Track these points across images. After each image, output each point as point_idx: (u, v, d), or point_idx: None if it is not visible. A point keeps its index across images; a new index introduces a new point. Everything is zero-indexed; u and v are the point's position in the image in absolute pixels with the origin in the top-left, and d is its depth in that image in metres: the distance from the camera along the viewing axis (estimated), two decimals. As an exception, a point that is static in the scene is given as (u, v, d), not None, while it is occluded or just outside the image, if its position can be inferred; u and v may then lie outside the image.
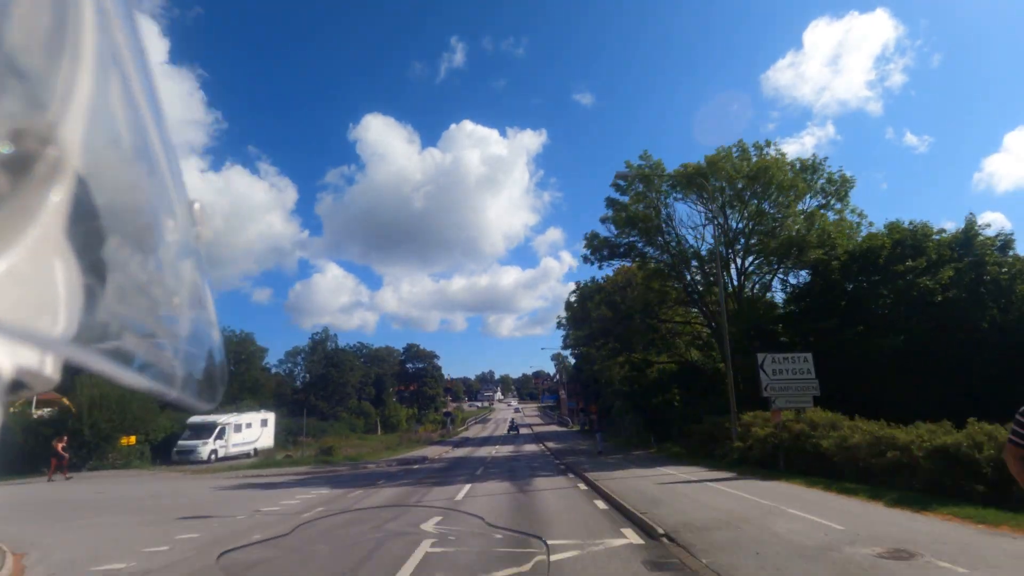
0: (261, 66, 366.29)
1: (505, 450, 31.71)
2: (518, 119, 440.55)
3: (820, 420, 12.70)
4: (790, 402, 13.55)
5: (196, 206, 0.51)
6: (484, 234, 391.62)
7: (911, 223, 21.56)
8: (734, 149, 23.85)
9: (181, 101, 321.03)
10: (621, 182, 24.81)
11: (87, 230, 0.35)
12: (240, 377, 54.29)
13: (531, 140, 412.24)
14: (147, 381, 0.40)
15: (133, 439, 26.22)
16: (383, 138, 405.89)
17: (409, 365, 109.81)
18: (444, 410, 53.47)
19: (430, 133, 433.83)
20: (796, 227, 22.41)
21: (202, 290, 0.51)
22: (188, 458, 26.49)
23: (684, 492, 10.99)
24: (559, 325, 42.52)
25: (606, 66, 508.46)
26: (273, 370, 70.10)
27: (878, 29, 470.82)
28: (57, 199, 0.31)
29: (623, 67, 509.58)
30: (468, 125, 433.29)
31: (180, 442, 27.31)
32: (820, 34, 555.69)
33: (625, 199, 24.99)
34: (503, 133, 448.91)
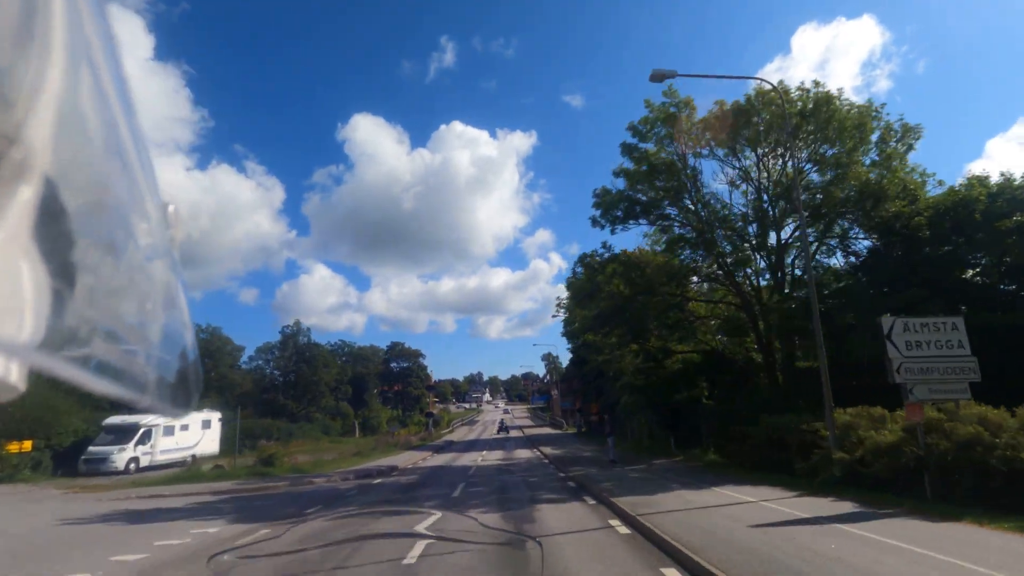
0: (248, 63, 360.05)
1: (494, 457, 26.75)
2: (508, 120, 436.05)
3: (999, 420, 7.94)
4: (936, 391, 8.76)
5: (170, 208, 0.51)
6: (474, 235, 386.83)
7: (1003, 173, 17.08)
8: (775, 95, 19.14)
9: (166, 98, 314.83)
10: (641, 127, 20.02)
11: (55, 232, 0.33)
12: (206, 375, 49.03)
13: (521, 141, 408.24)
14: (118, 388, 0.39)
15: (28, 444, 20.88)
16: (372, 138, 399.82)
17: (393, 364, 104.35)
18: (427, 410, 48.01)
19: (420, 133, 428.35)
20: (864, 176, 17.72)
21: (176, 294, 0.50)
22: (99, 468, 21.18)
23: (815, 547, 6.13)
24: (558, 307, 37.86)
25: (596, 68, 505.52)
26: (245, 367, 64.75)
27: (865, 35, 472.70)
28: (23, 200, 0.30)
29: (613, 69, 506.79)
30: (458, 126, 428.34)
31: (90, 448, 21.97)
32: (808, 39, 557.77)
33: (648, 147, 20.14)
34: (493, 134, 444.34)
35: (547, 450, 28.11)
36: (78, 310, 0.35)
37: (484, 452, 30.05)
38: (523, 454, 28.03)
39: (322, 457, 27.83)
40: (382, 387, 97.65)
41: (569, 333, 42.23)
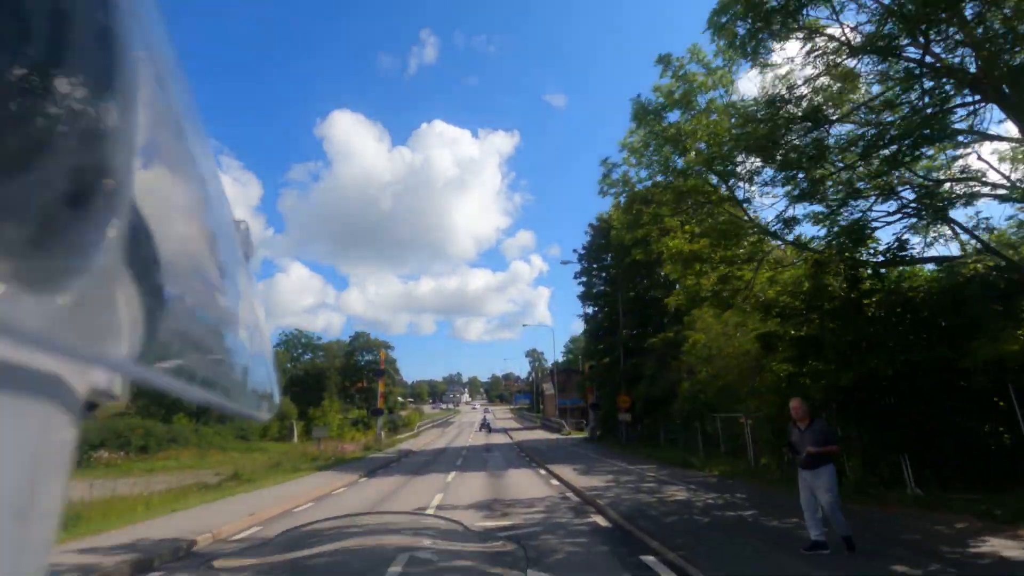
0: (225, 53, 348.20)
1: (468, 489, 13.50)
2: (491, 120, 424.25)
3: None
4: None
5: (243, 224, 0.55)
6: (454, 236, 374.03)
7: None
8: None
9: None
10: None
11: (143, 256, 0.36)
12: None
13: (504, 141, 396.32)
14: (210, 396, 0.42)
15: None
16: (351, 135, 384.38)
17: (357, 358, 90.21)
18: (375, 407, 34.59)
19: (401, 132, 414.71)
20: None
21: (252, 304, 0.54)
22: None
23: None
24: (588, 244, 25.36)
25: (578, 68, 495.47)
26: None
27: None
28: (115, 231, 0.32)
29: (595, 69, 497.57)
30: (440, 124, 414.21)
31: None
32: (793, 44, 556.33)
33: None
34: (475, 134, 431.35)
35: (571, 476, 14.88)
36: (168, 325, 0.39)
37: (452, 474, 16.65)
38: (524, 481, 14.82)
39: (152, 488, 14.34)
40: (343, 383, 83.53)
41: (587, 292, 29.22)
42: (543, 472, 16.83)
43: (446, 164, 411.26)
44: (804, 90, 10.54)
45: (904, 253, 10.80)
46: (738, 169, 11.86)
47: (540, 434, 42.07)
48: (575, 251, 28.56)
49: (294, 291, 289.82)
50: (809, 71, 10.62)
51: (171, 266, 0.39)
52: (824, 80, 10.60)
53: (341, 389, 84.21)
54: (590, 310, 29.97)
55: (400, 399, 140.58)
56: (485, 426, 54.37)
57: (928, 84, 9.21)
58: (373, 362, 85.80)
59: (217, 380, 0.44)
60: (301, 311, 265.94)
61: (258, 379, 0.53)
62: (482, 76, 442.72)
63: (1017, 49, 7.98)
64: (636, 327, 25.16)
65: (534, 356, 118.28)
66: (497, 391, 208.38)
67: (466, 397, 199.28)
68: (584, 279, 29.32)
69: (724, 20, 10.45)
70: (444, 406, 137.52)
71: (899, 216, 10.78)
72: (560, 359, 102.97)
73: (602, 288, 27.44)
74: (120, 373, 0.39)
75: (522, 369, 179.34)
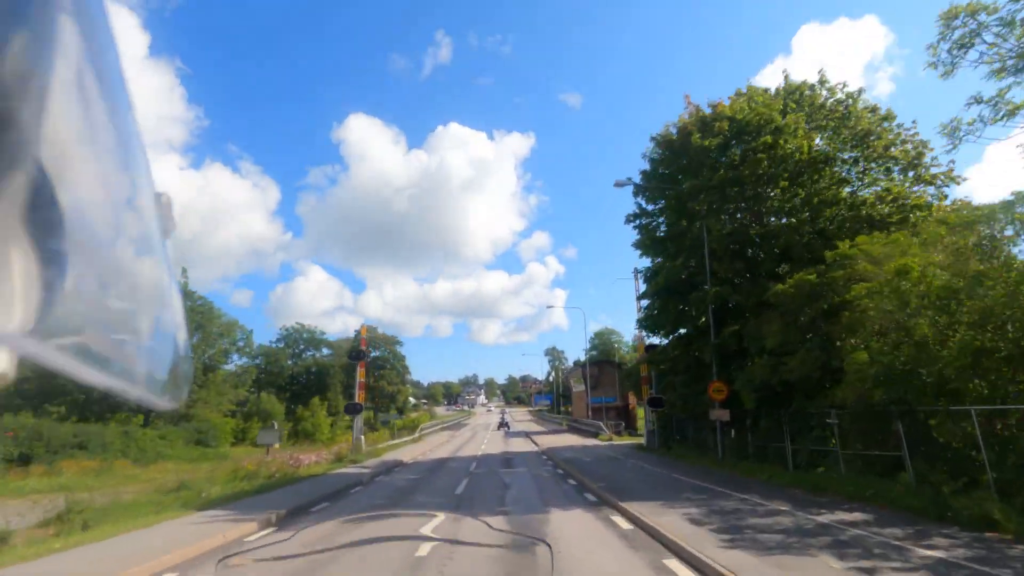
0: (244, 59, 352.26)
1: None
2: (506, 121, 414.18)
3: None
4: None
5: (164, 197, 0.50)
6: (470, 238, 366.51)
7: None
8: None
9: (161, 96, 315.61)
10: None
11: (46, 221, 0.32)
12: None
13: (519, 143, 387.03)
14: (108, 379, 0.39)
15: None
16: (368, 139, 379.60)
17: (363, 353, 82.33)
18: (353, 402, 26.13)
19: (416, 135, 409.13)
20: None
21: (167, 287, 0.49)
22: None
23: None
24: (656, 162, 17.79)
25: (593, 66, 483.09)
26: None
27: (868, 36, 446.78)
28: (15, 186, 0.29)
29: (610, 68, 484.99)
30: (455, 127, 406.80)
31: None
32: (810, 39, 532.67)
33: None
34: (491, 136, 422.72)
35: (707, 544, 6.31)
36: (68, 299, 0.34)
37: (437, 521, 7.94)
38: (596, 558, 6.38)
39: None
40: (347, 381, 75.51)
41: (647, 238, 20.53)
42: (623, 523, 8.33)
43: (461, 166, 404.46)
44: None
45: None
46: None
47: (571, 439, 33.36)
48: (629, 179, 19.93)
49: (312, 294, 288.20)
50: None
51: (76, 233, 0.34)
52: None
53: (346, 388, 76.60)
54: (648, 262, 21.26)
55: (412, 400, 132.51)
56: (504, 426, 49.10)
57: None
58: (381, 358, 77.85)
59: (119, 363, 0.40)
60: (319, 314, 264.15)
61: (166, 365, 0.48)
62: (497, 76, 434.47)
63: None
64: (734, 277, 16.45)
65: (554, 355, 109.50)
66: (514, 393, 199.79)
67: (482, 399, 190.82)
68: (642, 221, 20.65)
69: None
70: (459, 408, 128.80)
71: None
72: (583, 356, 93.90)
73: (674, 228, 18.81)
74: (7, 347, 0.33)
75: (540, 371, 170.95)
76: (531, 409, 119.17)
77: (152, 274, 0.45)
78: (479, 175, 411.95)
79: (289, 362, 70.10)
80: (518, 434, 41.76)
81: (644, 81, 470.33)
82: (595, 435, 34.00)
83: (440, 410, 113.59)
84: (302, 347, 74.08)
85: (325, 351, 78.01)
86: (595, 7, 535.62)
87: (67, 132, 0.33)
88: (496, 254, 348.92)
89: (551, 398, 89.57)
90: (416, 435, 38.33)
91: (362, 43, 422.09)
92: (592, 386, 41.53)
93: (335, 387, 77.04)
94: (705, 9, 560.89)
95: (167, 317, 0.48)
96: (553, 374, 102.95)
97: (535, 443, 30.55)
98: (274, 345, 71.02)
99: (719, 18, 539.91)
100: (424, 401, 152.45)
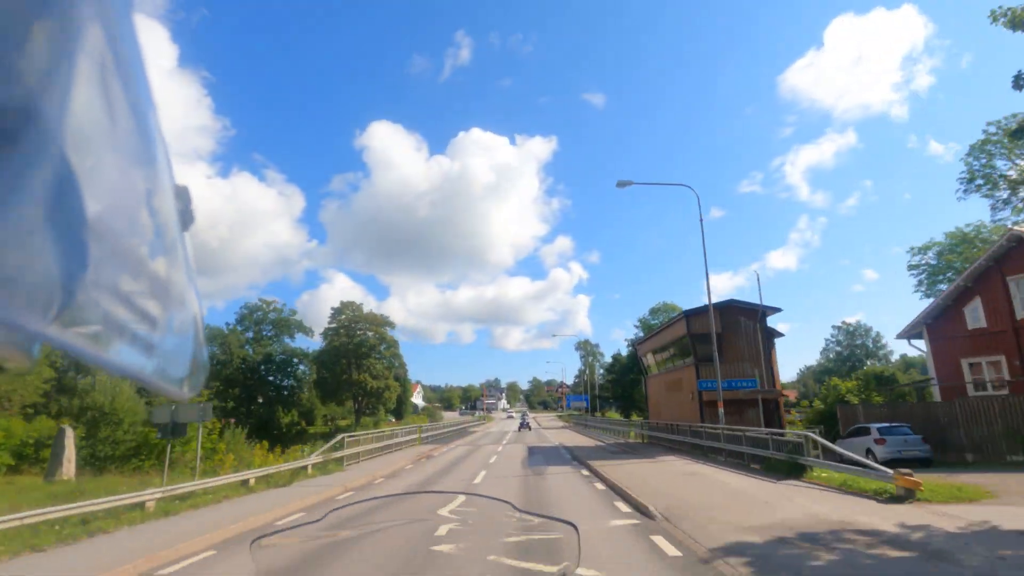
0: (268, 70, 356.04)
1: None
2: (528, 125, 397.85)
3: None
4: None
5: (184, 191, 0.51)
6: (492, 244, 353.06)
7: None
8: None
9: (189, 107, 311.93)
10: None
11: (69, 210, 0.33)
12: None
13: (541, 147, 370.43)
14: (127, 367, 0.40)
15: None
16: (390, 145, 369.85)
17: (346, 339, 64.46)
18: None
19: (437, 141, 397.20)
20: None
21: (186, 276, 0.50)
22: None
23: None
24: None
25: (617, 66, 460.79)
26: None
27: (906, 26, 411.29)
28: (39, 178, 0.30)
29: (635, 64, 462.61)
30: (477, 132, 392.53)
31: None
32: (843, 31, 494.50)
33: None
34: (512, 140, 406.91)
35: None
36: (89, 291, 0.35)
37: None
38: None
39: None
40: (321, 374, 58.08)
41: None
42: None
43: (483, 172, 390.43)
44: None
45: None
46: None
47: (631, 458, 15.42)
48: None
49: (337, 300, 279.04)
50: None
51: (99, 225, 0.35)
52: None
53: (319, 382, 59.52)
54: None
55: (422, 402, 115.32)
56: (524, 426, 45.23)
57: None
58: (364, 343, 60.36)
59: (137, 352, 0.41)
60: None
61: (187, 356, 0.49)
62: (518, 77, 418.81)
63: None
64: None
65: (586, 349, 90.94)
66: (539, 397, 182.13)
67: (503, 403, 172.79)
68: None
69: None
70: (477, 412, 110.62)
71: None
72: (623, 349, 75.75)
73: None
74: (29, 333, 0.33)
75: (568, 374, 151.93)
76: (559, 414, 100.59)
77: (170, 265, 0.46)
78: (501, 180, 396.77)
79: (246, 347, 53.72)
80: (548, 450, 24.03)
81: (668, 77, 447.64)
82: (676, 447, 15.84)
83: (452, 415, 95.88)
84: (260, 327, 57.47)
85: (309, 341, 61.56)
86: (617, 5, 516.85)
87: (90, 125, 0.33)
88: (518, 260, 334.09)
89: (587, 399, 71.21)
90: (372, 449, 19.51)
91: (382, 46, 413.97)
92: (700, 358, 23.02)
93: (306, 381, 60.75)
94: (733, 1, 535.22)
95: (186, 307, 0.47)
96: (585, 371, 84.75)
97: (602, 479, 12.74)
98: (228, 328, 54.94)
99: (748, 10, 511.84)
100: (438, 404, 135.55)
